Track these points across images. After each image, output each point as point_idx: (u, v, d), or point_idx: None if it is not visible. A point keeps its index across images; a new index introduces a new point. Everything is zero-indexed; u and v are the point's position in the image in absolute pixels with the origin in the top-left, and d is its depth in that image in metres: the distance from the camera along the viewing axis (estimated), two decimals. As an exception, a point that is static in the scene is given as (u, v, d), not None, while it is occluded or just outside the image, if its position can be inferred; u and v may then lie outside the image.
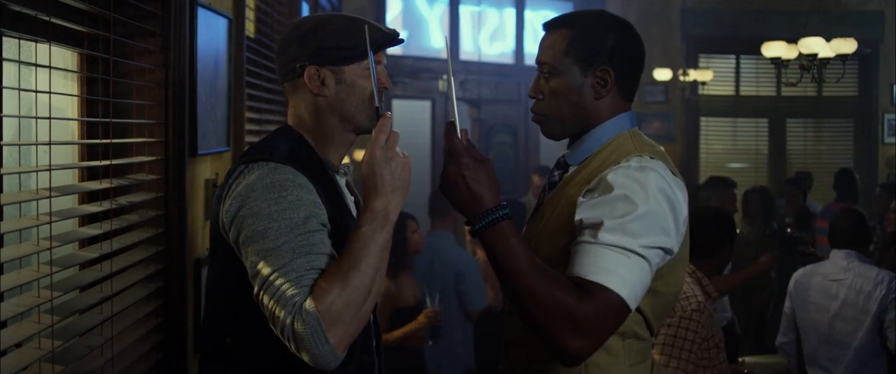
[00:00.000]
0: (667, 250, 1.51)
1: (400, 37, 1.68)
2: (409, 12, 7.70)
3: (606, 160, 1.60)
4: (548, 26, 1.71)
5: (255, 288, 1.42)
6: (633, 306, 1.46)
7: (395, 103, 7.14)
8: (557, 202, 1.65)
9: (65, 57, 1.91)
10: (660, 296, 1.60)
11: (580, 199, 1.55)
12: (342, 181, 1.69)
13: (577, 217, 1.51)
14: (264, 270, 1.41)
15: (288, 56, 1.63)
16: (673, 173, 1.58)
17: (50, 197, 1.54)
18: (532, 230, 1.71)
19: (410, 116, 7.48)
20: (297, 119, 1.65)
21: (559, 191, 1.67)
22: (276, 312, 1.37)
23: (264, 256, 1.42)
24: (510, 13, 8.47)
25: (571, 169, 1.69)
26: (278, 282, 1.38)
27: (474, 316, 4.07)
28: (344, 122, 1.63)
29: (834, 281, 3.48)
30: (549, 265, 1.49)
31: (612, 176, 1.52)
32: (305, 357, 1.37)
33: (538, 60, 1.69)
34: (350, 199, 1.71)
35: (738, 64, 8.63)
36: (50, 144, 1.53)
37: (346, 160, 1.75)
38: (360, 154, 6.61)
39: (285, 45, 1.64)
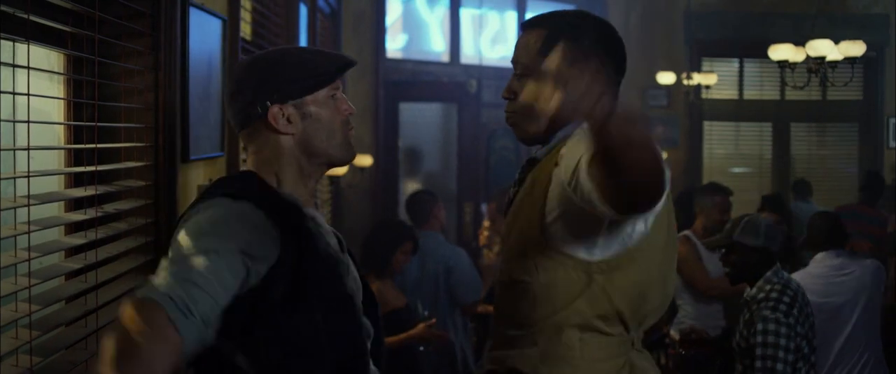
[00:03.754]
0: None
1: (353, 61, 1.58)
2: (409, 15, 7.62)
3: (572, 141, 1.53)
4: (524, 26, 1.66)
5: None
6: None
7: (417, 107, 7.05)
8: (528, 192, 1.60)
9: (50, 58, 1.84)
10: (629, 283, 1.54)
11: (555, 171, 1.50)
12: (319, 216, 1.57)
13: (563, 176, 1.44)
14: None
15: (244, 99, 1.50)
16: None
17: (28, 205, 1.45)
18: (508, 224, 1.67)
19: (432, 120, 7.44)
20: (260, 164, 1.52)
21: (529, 184, 1.62)
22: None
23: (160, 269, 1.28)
24: (512, 16, 8.39)
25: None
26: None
27: (470, 311, 4.04)
28: (313, 157, 1.53)
29: (838, 278, 3.45)
30: (520, 252, 1.49)
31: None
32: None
33: (512, 60, 1.64)
34: (328, 230, 1.58)
35: (741, 67, 8.55)
36: (28, 149, 1.45)
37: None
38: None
39: (237, 90, 1.52)
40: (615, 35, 1.63)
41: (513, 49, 1.65)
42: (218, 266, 1.28)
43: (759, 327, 2.78)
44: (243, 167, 1.57)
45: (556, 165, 1.51)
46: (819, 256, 3.54)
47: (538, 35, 1.60)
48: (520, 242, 1.58)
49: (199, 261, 1.27)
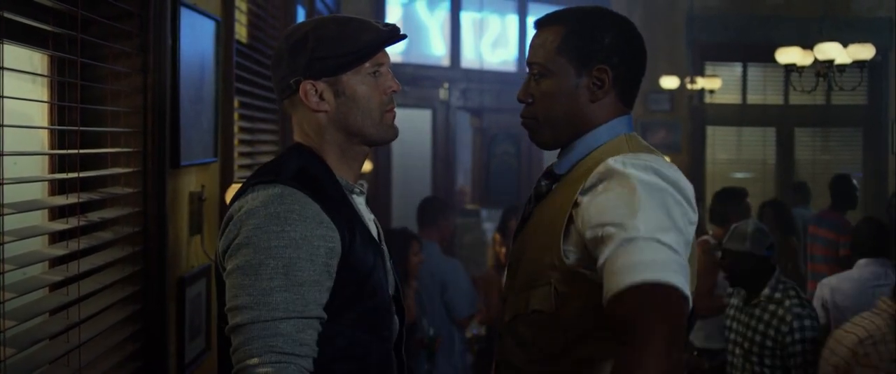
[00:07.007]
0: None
1: (401, 33, 1.50)
2: (409, 18, 7.55)
3: (596, 163, 1.42)
4: (539, 24, 1.56)
5: (231, 322, 1.28)
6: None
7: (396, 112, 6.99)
8: (546, 214, 1.49)
9: (33, 59, 1.75)
10: None
11: (576, 211, 1.38)
12: (360, 201, 1.53)
13: (581, 227, 1.35)
14: (247, 314, 1.28)
15: (281, 72, 1.47)
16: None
17: (3, 214, 1.37)
18: (520, 244, 1.56)
19: (411, 125, 7.34)
20: (304, 137, 1.50)
21: (548, 202, 1.51)
22: (241, 364, 1.28)
23: (252, 295, 1.29)
24: (512, 20, 8.32)
25: (561, 179, 1.53)
26: (257, 345, 1.28)
27: (464, 323, 4.03)
28: (351, 136, 1.48)
29: (876, 287, 3.36)
30: (539, 279, 1.39)
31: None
32: None
33: (528, 61, 1.54)
34: (369, 218, 1.55)
35: (745, 72, 8.47)
36: (4, 154, 1.37)
37: (367, 167, 1.60)
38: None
39: (277, 60, 1.49)
40: (634, 31, 1.53)
41: (528, 49, 1.55)
42: None
43: (796, 324, 2.89)
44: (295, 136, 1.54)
45: (577, 204, 1.37)
46: (861, 262, 3.50)
47: (555, 33, 1.50)
48: (537, 267, 1.45)
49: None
